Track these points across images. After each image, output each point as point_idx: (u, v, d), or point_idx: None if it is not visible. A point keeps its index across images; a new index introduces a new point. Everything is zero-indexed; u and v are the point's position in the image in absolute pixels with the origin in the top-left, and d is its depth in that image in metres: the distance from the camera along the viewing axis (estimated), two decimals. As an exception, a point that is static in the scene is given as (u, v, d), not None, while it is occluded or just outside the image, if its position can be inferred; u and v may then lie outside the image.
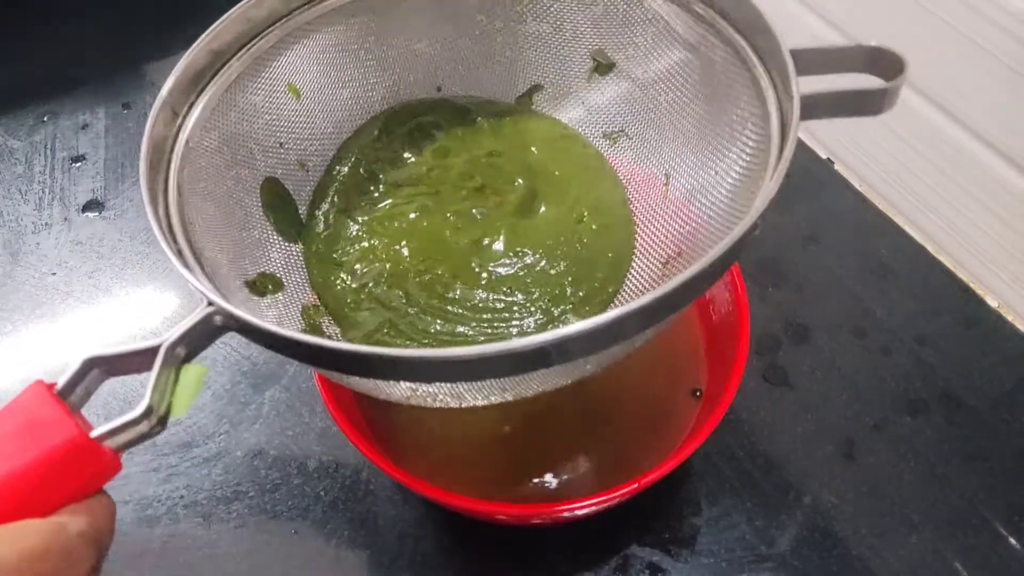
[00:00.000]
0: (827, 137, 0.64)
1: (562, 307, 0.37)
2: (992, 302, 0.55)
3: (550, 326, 0.36)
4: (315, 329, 0.37)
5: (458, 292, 0.37)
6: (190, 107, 0.34)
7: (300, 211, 0.40)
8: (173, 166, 0.33)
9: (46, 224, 0.62)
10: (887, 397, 0.51)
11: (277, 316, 0.36)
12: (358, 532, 0.47)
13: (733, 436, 0.49)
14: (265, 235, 0.38)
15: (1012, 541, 0.45)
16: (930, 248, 0.58)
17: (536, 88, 0.42)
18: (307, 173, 0.40)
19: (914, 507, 0.46)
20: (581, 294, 0.37)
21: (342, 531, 0.47)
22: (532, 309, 0.37)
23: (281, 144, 0.39)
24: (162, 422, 0.26)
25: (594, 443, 0.46)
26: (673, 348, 0.49)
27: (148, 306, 0.57)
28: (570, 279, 0.37)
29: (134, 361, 0.26)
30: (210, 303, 0.27)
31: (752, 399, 0.50)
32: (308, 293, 0.38)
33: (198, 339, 0.27)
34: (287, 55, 0.38)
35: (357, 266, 0.38)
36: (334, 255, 0.39)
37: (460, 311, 0.37)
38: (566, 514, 0.41)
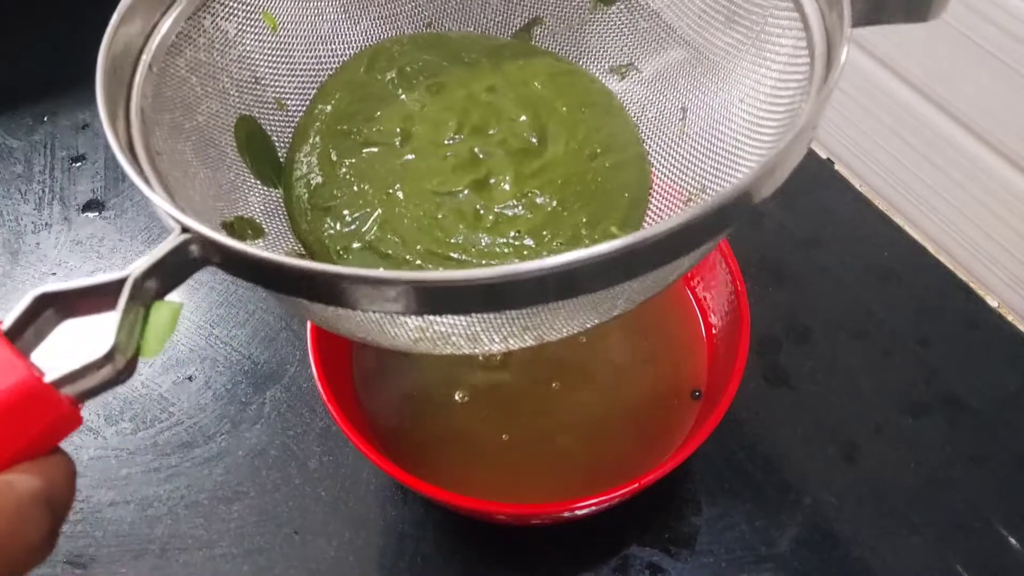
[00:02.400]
0: (827, 137, 0.64)
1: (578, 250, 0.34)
2: (992, 302, 0.55)
3: None
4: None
5: (461, 237, 0.34)
6: (154, 26, 0.31)
7: (280, 154, 0.37)
8: (135, 92, 0.30)
9: (46, 224, 0.62)
10: (888, 398, 0.51)
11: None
12: (358, 532, 0.47)
13: (733, 436, 0.49)
14: (242, 178, 0.35)
15: (1013, 542, 0.45)
16: (930, 248, 0.58)
17: (535, 21, 0.39)
18: (286, 113, 0.37)
19: (915, 508, 0.46)
20: (597, 237, 0.34)
21: (342, 531, 0.47)
22: (545, 254, 0.33)
23: (257, 80, 0.36)
24: (130, 366, 0.22)
25: (594, 443, 0.46)
26: (673, 348, 0.49)
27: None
28: (585, 220, 0.34)
29: (96, 297, 0.22)
30: (185, 229, 0.23)
31: (752, 400, 0.50)
32: (291, 240, 0.35)
33: (171, 271, 0.24)
34: None
35: (346, 211, 0.35)
36: (319, 201, 0.36)
37: (464, 257, 0.33)
38: (566, 514, 0.41)
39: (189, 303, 0.57)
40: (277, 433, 0.51)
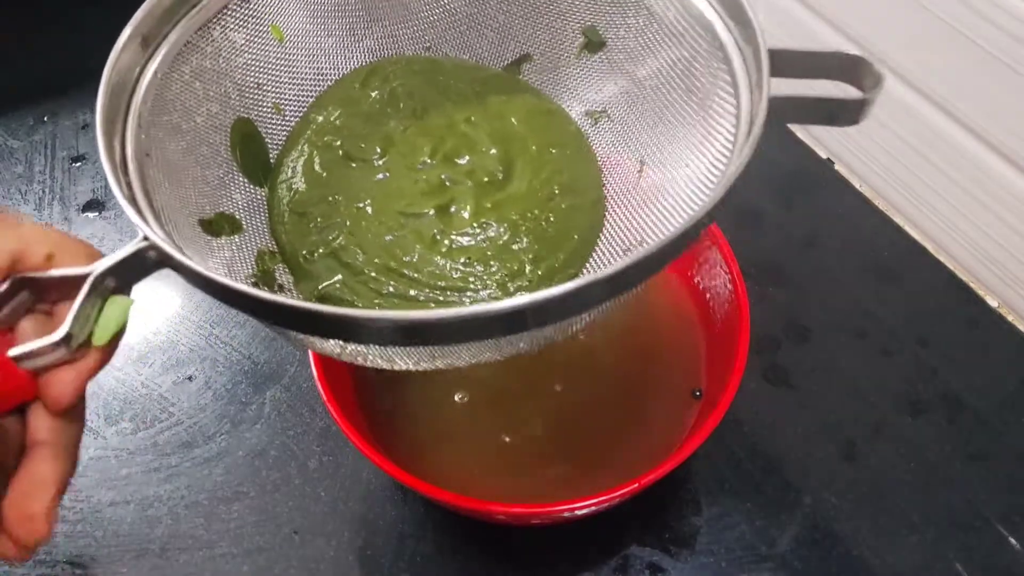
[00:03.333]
0: (827, 137, 0.64)
1: (519, 283, 0.36)
2: (992, 302, 0.55)
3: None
4: (267, 275, 0.36)
5: (416, 256, 0.36)
6: (163, 38, 0.33)
7: (271, 156, 0.39)
8: (137, 96, 0.32)
9: (46, 224, 0.62)
10: (888, 397, 0.51)
11: (229, 258, 0.35)
12: (358, 532, 0.47)
13: (733, 436, 0.49)
14: (230, 175, 0.37)
15: (1012, 541, 0.45)
16: (930, 248, 0.58)
17: (525, 58, 0.41)
18: (283, 118, 0.39)
19: (915, 508, 0.46)
20: (540, 272, 0.36)
21: (342, 531, 0.47)
22: (488, 282, 0.36)
23: (259, 85, 0.38)
24: (106, 350, 0.26)
25: (594, 443, 0.46)
26: (673, 348, 0.49)
27: (149, 305, 0.57)
28: (531, 256, 0.36)
29: (63, 286, 0.26)
30: (145, 238, 0.26)
31: (752, 399, 0.50)
32: (267, 238, 0.37)
33: (130, 272, 0.27)
34: (274, 1, 0.37)
35: (319, 218, 0.37)
36: (297, 205, 0.38)
37: (416, 275, 0.36)
38: (566, 514, 0.41)
39: (189, 303, 0.57)
40: (277, 433, 0.51)
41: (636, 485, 0.38)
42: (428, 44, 0.41)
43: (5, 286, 0.25)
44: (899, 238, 0.59)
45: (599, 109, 0.40)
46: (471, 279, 0.36)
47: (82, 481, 0.49)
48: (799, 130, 0.65)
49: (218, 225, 0.35)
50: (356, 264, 0.36)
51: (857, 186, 0.62)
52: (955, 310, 0.55)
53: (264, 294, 0.26)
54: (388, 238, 0.37)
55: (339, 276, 0.36)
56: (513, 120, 0.40)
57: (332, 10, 0.39)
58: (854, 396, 0.51)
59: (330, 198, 0.38)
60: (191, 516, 0.48)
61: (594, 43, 0.39)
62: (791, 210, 0.60)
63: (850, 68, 0.30)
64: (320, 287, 0.36)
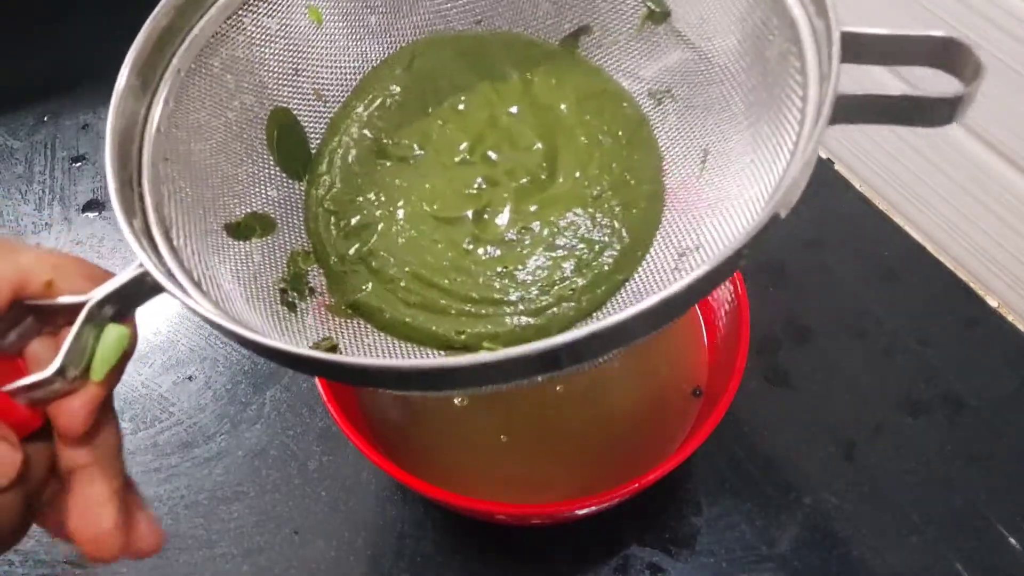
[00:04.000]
0: (827, 137, 0.63)
1: (560, 293, 0.33)
2: (992, 302, 0.55)
3: (541, 316, 0.33)
4: (297, 278, 0.34)
5: (447, 264, 0.34)
6: (187, 31, 0.31)
7: (312, 147, 0.37)
8: (159, 98, 0.30)
9: (46, 224, 0.62)
10: (888, 397, 0.51)
11: (258, 262, 0.33)
12: (358, 532, 0.47)
13: (733, 436, 0.49)
14: (264, 171, 0.35)
15: (1013, 542, 0.45)
16: (930, 248, 0.58)
17: (584, 30, 0.37)
18: (324, 105, 0.37)
19: (915, 508, 0.46)
20: (584, 281, 0.33)
21: (342, 531, 0.47)
22: (527, 295, 0.33)
23: (297, 71, 0.35)
24: (83, 379, 0.25)
25: (594, 443, 0.46)
26: (673, 348, 0.49)
27: (149, 305, 0.57)
28: (574, 264, 0.34)
29: (62, 313, 0.25)
30: (141, 265, 0.25)
31: (752, 399, 0.50)
32: (303, 238, 0.35)
33: (129, 298, 0.26)
34: None
35: (353, 219, 0.35)
36: (331, 204, 0.36)
37: (447, 285, 0.34)
38: (566, 514, 0.41)
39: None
40: (277, 433, 0.51)
41: (636, 485, 0.38)
42: (479, 17, 0.38)
43: (7, 310, 0.25)
44: (899, 238, 0.59)
45: (663, 88, 0.36)
46: (510, 290, 0.33)
47: (82, 481, 0.49)
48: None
49: (247, 227, 0.34)
50: (385, 271, 0.34)
51: (857, 186, 0.62)
52: (955, 310, 0.55)
53: (250, 334, 0.24)
54: (420, 244, 0.35)
55: (369, 284, 0.34)
56: (563, 107, 0.37)
57: None
58: (854, 396, 0.51)
59: (363, 197, 0.36)
60: (191, 516, 0.48)
61: (658, 13, 0.35)
62: (791, 210, 0.60)
63: (941, 53, 0.25)
64: (350, 296, 0.34)
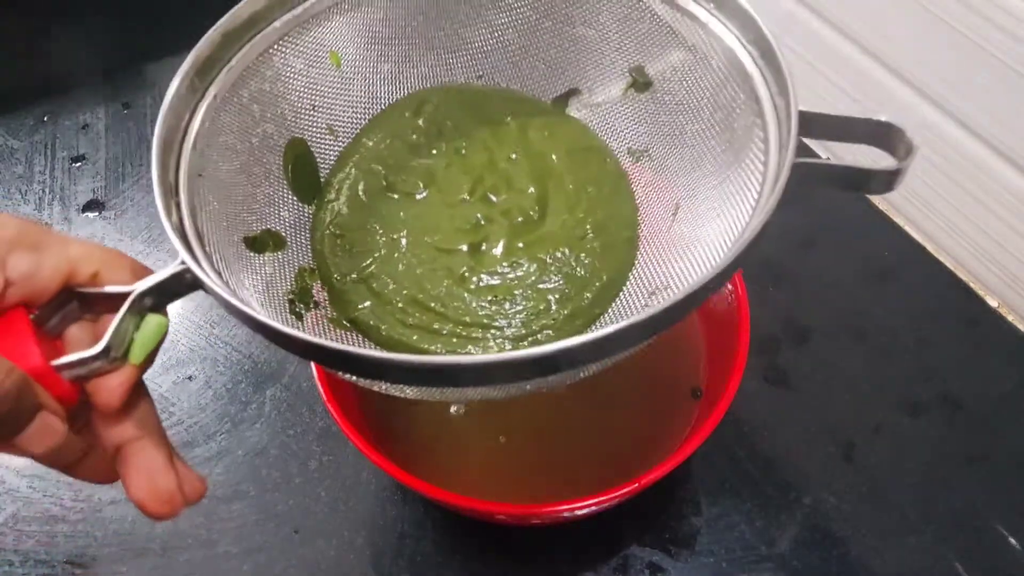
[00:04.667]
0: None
1: (543, 322, 0.37)
2: (992, 302, 0.55)
3: (526, 341, 0.36)
4: (304, 292, 0.37)
5: (443, 291, 0.37)
6: (225, 63, 0.35)
7: (321, 175, 0.40)
8: (195, 119, 0.33)
9: (46, 224, 0.62)
10: (887, 397, 0.51)
11: (270, 273, 0.36)
12: (358, 532, 0.47)
13: (733, 436, 0.49)
14: (280, 193, 0.38)
15: (1012, 541, 0.45)
16: (930, 248, 0.58)
17: (573, 92, 0.42)
18: (335, 139, 0.40)
19: (914, 508, 0.46)
20: (566, 312, 0.37)
21: (342, 531, 0.47)
22: (513, 321, 0.37)
23: (314, 107, 0.39)
24: (122, 361, 0.28)
25: (594, 443, 0.46)
26: (673, 348, 0.49)
27: (148, 306, 0.57)
28: (558, 296, 0.37)
29: (107, 301, 0.28)
30: (183, 262, 0.28)
31: (752, 399, 0.50)
32: (309, 256, 0.39)
33: (168, 291, 0.29)
34: (333, 22, 0.38)
35: (355, 244, 0.39)
36: (337, 228, 0.39)
37: (442, 309, 0.37)
38: (566, 514, 0.41)
39: (190, 303, 0.57)
40: (277, 433, 0.51)
41: (636, 485, 0.38)
42: (481, 73, 0.42)
43: (55, 295, 0.27)
44: (899, 238, 0.59)
45: (641, 148, 0.40)
46: (498, 316, 0.37)
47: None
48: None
49: (262, 242, 0.37)
50: (385, 293, 0.37)
51: (857, 186, 0.62)
52: (955, 310, 0.55)
53: (280, 326, 0.27)
54: (419, 271, 0.38)
55: (368, 302, 0.37)
56: (554, 157, 0.41)
57: (391, 38, 0.40)
58: (854, 396, 0.51)
59: (368, 225, 0.39)
60: (191, 515, 0.48)
61: (640, 83, 0.39)
62: (791, 210, 0.60)
63: (881, 135, 0.30)
64: (350, 312, 0.37)
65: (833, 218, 0.60)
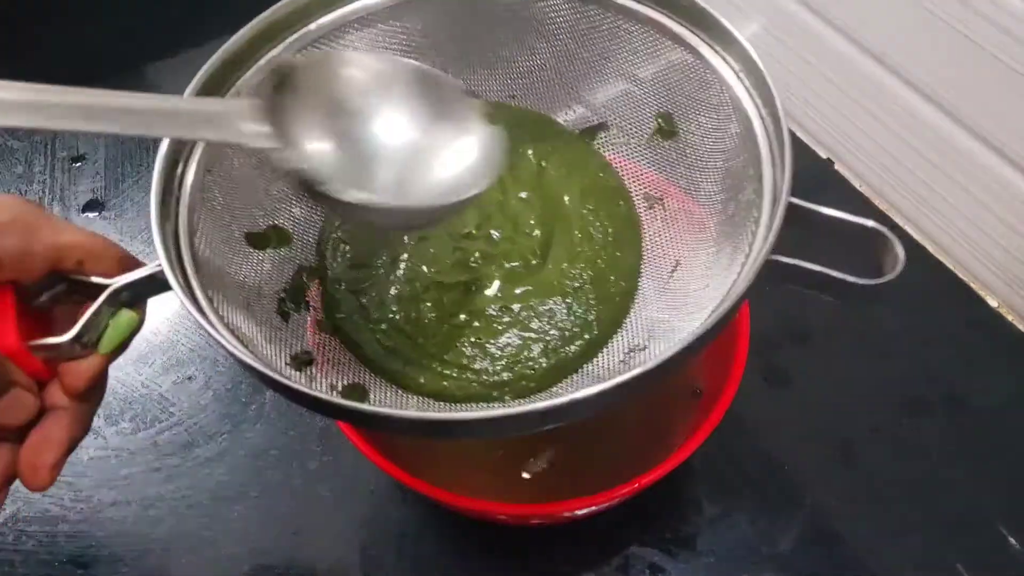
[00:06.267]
0: (827, 137, 0.64)
1: (524, 371, 0.36)
2: (992, 302, 0.55)
3: (495, 390, 0.36)
4: (298, 291, 0.38)
5: (428, 321, 0.37)
6: (253, 63, 0.35)
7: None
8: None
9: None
10: (887, 397, 0.51)
11: (267, 270, 0.37)
12: (359, 532, 0.47)
13: (733, 436, 0.49)
14: (293, 192, 0.38)
15: (1012, 541, 0.45)
16: (930, 248, 0.58)
17: (602, 126, 0.42)
18: None
19: (915, 507, 0.46)
20: (546, 364, 0.36)
21: (343, 531, 0.47)
22: (493, 367, 0.36)
23: None
24: (92, 349, 0.29)
25: (594, 443, 0.46)
26: (673, 348, 0.49)
27: (149, 305, 0.57)
28: (542, 347, 0.37)
29: (88, 288, 0.29)
30: (159, 264, 0.29)
31: (752, 399, 0.50)
32: (311, 255, 0.39)
33: (144, 289, 0.30)
34: (366, 30, 0.38)
35: (355, 258, 0.39)
36: (344, 235, 0.39)
37: (421, 341, 0.37)
38: (566, 514, 0.41)
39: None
40: (278, 433, 0.51)
41: (636, 485, 0.38)
42: (514, 94, 0.42)
43: (44, 275, 0.29)
44: (899, 238, 0.59)
45: (657, 196, 0.40)
46: (476, 359, 0.36)
47: (83, 481, 0.49)
48: (799, 129, 0.65)
49: (265, 238, 0.37)
50: (371, 312, 0.37)
51: (857, 186, 0.62)
52: (955, 310, 0.55)
53: (233, 348, 0.28)
54: (408, 298, 0.38)
55: (355, 316, 0.37)
56: (566, 198, 0.40)
57: (430, 48, 0.39)
58: (854, 396, 0.51)
59: (371, 243, 0.39)
60: (193, 516, 0.48)
61: (666, 131, 0.40)
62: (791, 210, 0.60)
63: (870, 239, 0.31)
64: (336, 319, 0.37)
65: (833, 217, 0.60)
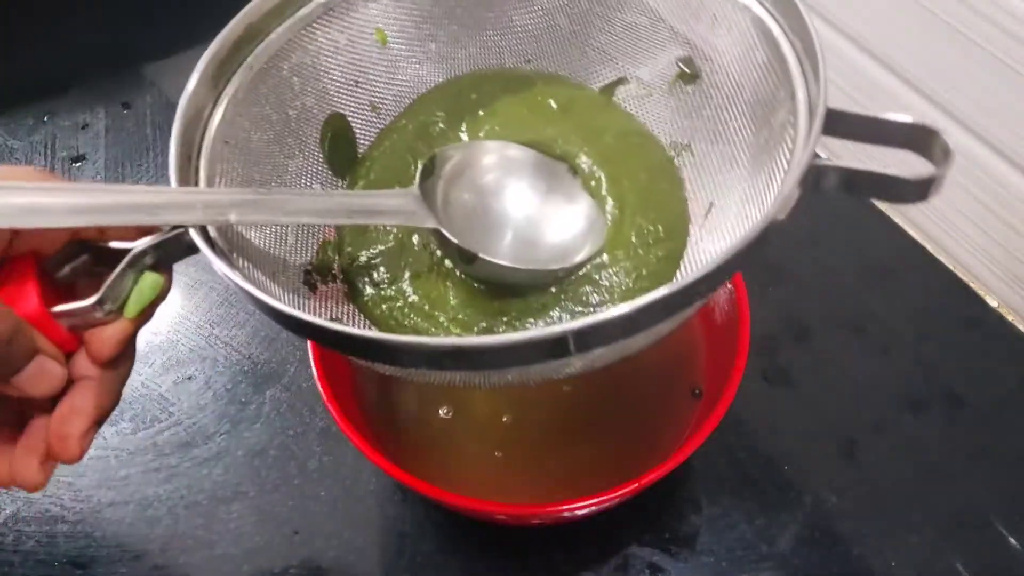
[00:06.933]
0: (827, 138, 0.63)
1: (549, 309, 0.35)
2: (992, 302, 0.55)
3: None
4: (323, 266, 0.37)
5: (455, 299, 0.36)
6: (265, 36, 0.35)
7: (359, 151, 0.40)
8: (229, 88, 0.34)
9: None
10: (887, 396, 0.51)
11: (291, 243, 0.36)
12: (358, 532, 0.47)
13: (733, 436, 0.49)
14: (312, 165, 0.38)
15: (1012, 541, 0.45)
16: (930, 248, 0.58)
17: (621, 81, 0.41)
18: (377, 116, 0.40)
19: (915, 507, 0.46)
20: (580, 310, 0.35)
21: (342, 532, 0.47)
22: (504, 318, 0.35)
23: (357, 83, 0.39)
24: (118, 314, 0.29)
25: (594, 443, 0.46)
26: (673, 348, 0.49)
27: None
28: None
29: (111, 255, 0.29)
30: (179, 226, 0.29)
31: (752, 399, 0.50)
32: (330, 229, 0.39)
33: (168, 252, 0.29)
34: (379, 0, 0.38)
35: (372, 230, 0.38)
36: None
37: (443, 321, 0.35)
38: (566, 514, 0.41)
39: (189, 303, 0.57)
40: (277, 433, 0.51)
41: (636, 485, 0.38)
42: (528, 57, 0.41)
43: (66, 246, 0.29)
44: (899, 238, 0.59)
45: (684, 142, 0.39)
46: (502, 329, 0.35)
47: (82, 481, 0.49)
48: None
49: None
50: (379, 279, 0.37)
51: (857, 186, 0.62)
52: (955, 310, 0.55)
53: (264, 297, 0.27)
54: (419, 268, 0.37)
55: (370, 291, 0.37)
56: (609, 139, 0.39)
57: (440, 17, 0.39)
58: (854, 395, 0.51)
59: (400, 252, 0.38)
60: (191, 516, 0.48)
61: (689, 75, 0.38)
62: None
63: (917, 138, 0.29)
64: (353, 294, 0.37)
65: (833, 217, 0.60)
